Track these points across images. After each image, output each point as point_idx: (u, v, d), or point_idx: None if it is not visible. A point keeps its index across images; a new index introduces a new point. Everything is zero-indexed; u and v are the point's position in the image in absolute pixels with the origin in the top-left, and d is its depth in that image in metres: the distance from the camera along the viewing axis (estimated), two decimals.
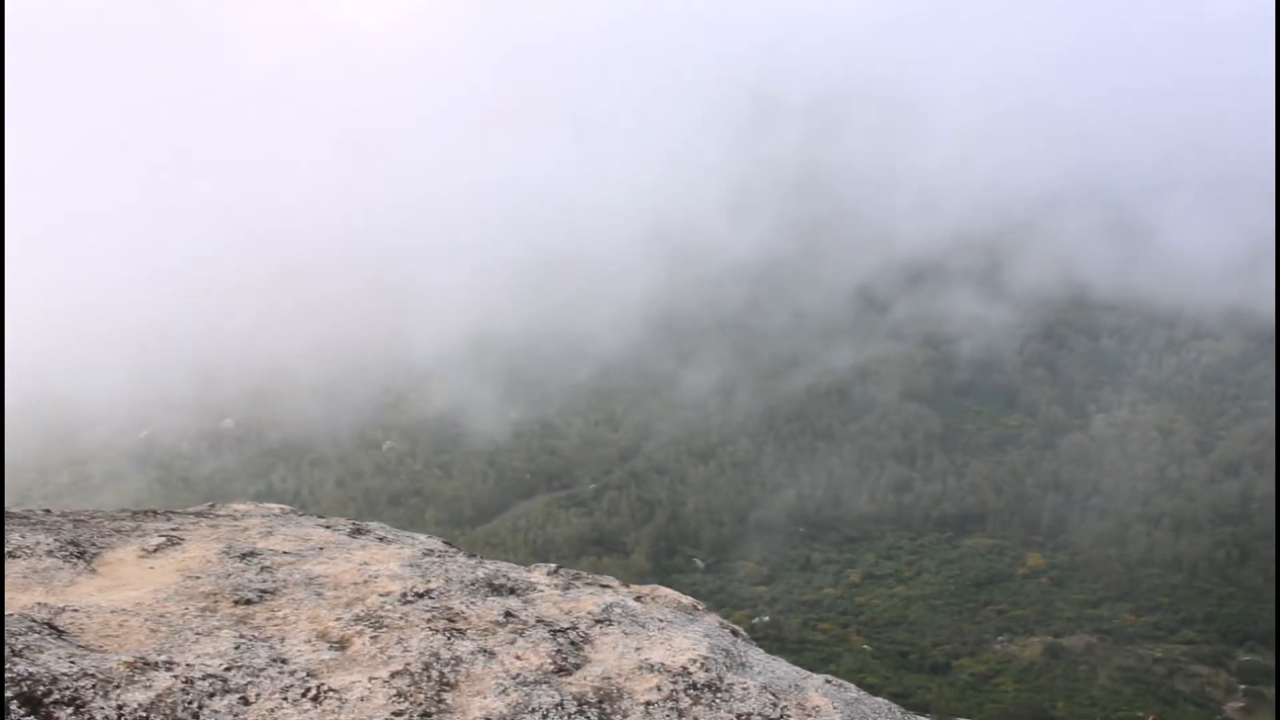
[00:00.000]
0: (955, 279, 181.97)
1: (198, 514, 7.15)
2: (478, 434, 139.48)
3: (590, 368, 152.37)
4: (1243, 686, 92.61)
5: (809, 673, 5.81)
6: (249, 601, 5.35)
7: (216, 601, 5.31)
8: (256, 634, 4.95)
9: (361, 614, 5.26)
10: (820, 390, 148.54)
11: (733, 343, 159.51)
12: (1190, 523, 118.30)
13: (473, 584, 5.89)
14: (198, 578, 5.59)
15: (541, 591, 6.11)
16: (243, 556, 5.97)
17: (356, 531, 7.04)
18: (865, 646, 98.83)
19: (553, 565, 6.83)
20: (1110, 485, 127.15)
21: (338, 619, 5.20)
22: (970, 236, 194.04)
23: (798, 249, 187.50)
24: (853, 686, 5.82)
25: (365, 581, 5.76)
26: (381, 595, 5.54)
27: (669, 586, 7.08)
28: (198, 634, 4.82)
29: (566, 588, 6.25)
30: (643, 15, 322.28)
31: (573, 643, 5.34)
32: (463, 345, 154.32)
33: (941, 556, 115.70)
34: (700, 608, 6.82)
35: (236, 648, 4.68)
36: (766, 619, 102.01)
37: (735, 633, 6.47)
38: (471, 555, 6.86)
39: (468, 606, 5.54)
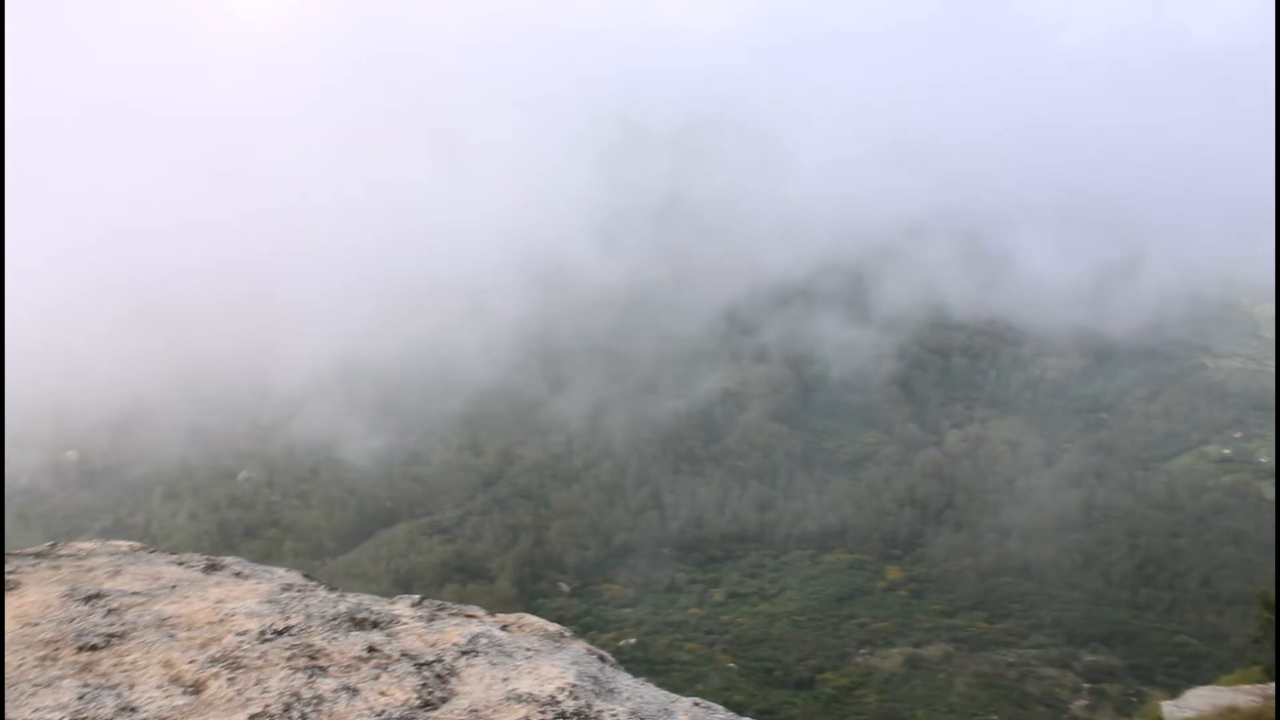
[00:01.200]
0: (821, 303, 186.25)
1: (37, 554, 6.76)
2: (340, 462, 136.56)
3: (461, 394, 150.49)
4: (1087, 685, 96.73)
5: (677, 695, 5.79)
6: (94, 647, 5.07)
7: (58, 649, 5.01)
8: (103, 682, 4.69)
9: (217, 655, 5.04)
10: (687, 413, 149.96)
11: (603, 368, 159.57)
12: (1038, 532, 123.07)
13: (334, 619, 5.70)
14: (36, 624, 5.27)
15: (405, 624, 5.95)
16: (87, 599, 5.66)
17: (211, 567, 6.75)
18: (731, 665, 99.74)
19: (416, 596, 6.66)
20: (963, 499, 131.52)
21: (191, 661, 4.97)
22: (835, 262, 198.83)
23: (666, 274, 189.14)
24: (720, 708, 5.82)
25: (221, 620, 5.52)
26: (238, 634, 5.31)
27: (535, 613, 6.99)
28: (35, 685, 4.53)
29: (431, 619, 6.10)
30: (512, 39, 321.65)
31: (438, 676, 5.20)
32: (331, 373, 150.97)
33: (804, 573, 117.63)
34: (566, 634, 6.73)
35: (80, 698, 4.41)
36: (633, 641, 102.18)
37: (603, 658, 6.40)
38: (333, 589, 6.65)
39: (329, 642, 5.37)
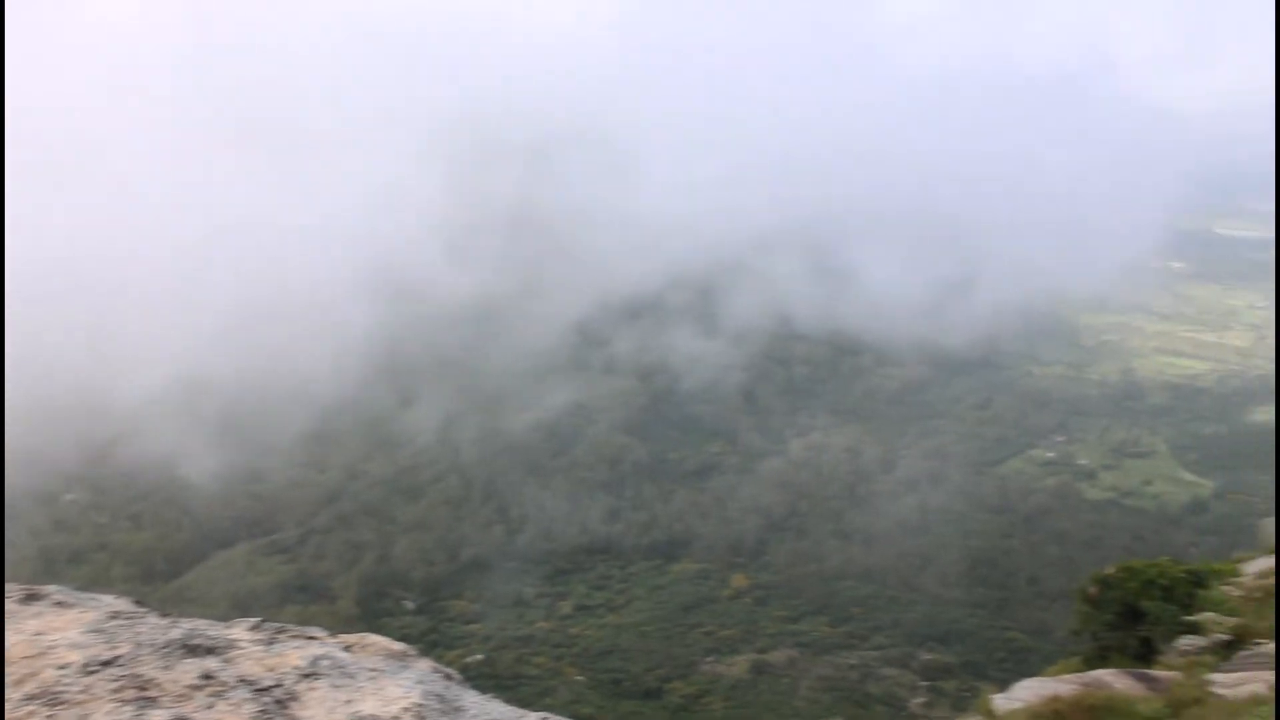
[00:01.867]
0: (670, 316, 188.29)
1: None
2: (177, 482, 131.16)
3: (308, 410, 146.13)
4: (925, 683, 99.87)
5: (524, 710, 5.74)
6: None
7: None
8: None
9: (34, 692, 4.76)
10: (535, 426, 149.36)
11: (452, 381, 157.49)
12: (877, 536, 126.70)
13: (166, 646, 5.47)
14: None
15: (243, 649, 5.74)
16: None
17: (30, 598, 6.38)
18: (579, 678, 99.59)
19: (255, 619, 6.44)
20: (806, 506, 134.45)
21: (6, 701, 4.72)
22: (685, 276, 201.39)
23: (517, 287, 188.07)
24: None
25: (40, 654, 5.22)
26: (59, 668, 5.04)
27: (379, 631, 6.82)
28: None
29: (270, 642, 5.90)
30: (361, 46, 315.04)
31: (278, 701, 5.04)
32: (171, 388, 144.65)
33: (651, 583, 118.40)
34: (411, 653, 6.60)
35: None
36: (480, 657, 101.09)
37: (449, 676, 6.30)
38: (165, 614, 6.36)
39: (161, 671, 5.14)
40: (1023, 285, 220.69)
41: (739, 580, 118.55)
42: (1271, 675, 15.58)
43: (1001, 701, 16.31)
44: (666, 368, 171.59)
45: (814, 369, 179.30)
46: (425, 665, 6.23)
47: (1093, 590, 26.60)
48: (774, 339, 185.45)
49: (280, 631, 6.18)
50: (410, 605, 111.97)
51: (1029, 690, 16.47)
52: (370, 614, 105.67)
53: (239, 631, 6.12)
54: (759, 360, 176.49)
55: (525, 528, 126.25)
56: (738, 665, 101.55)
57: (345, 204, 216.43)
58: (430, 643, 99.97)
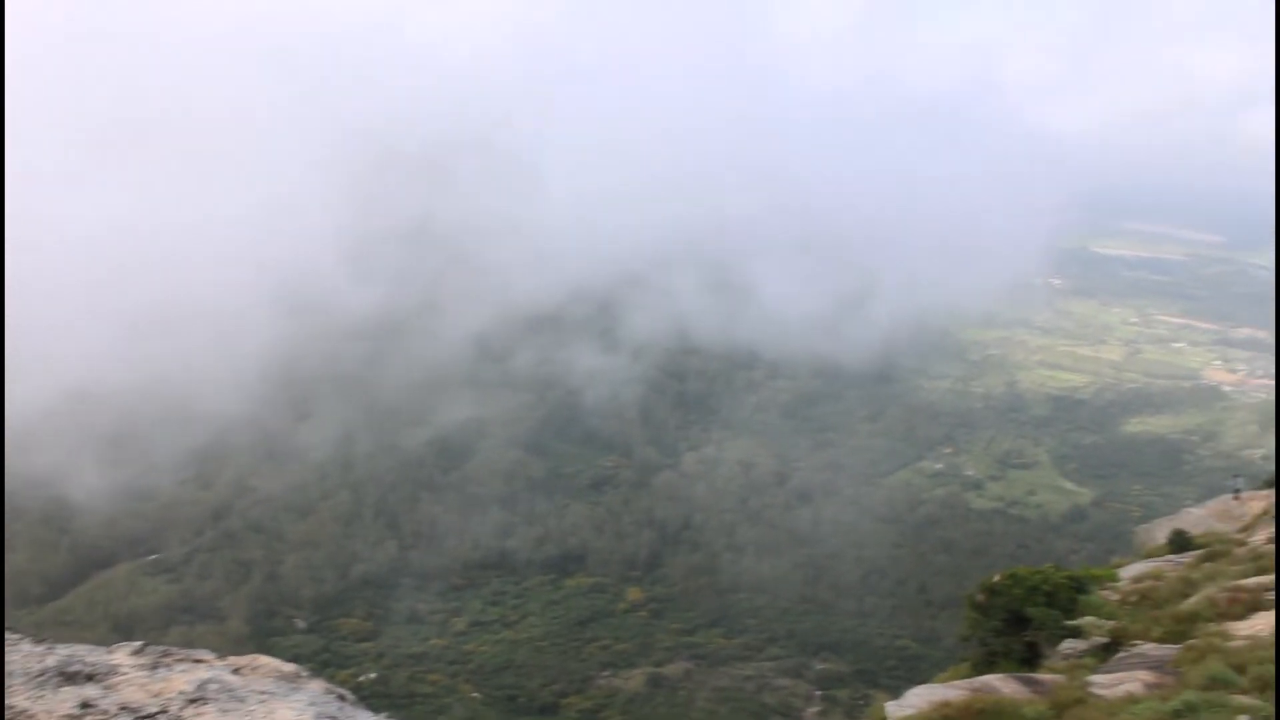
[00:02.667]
0: (570, 330, 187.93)
1: None
2: (59, 502, 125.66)
3: (199, 426, 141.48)
4: (819, 692, 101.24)
5: None
6: None
7: None
8: None
9: None
10: (430, 441, 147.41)
11: (351, 397, 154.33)
12: (771, 548, 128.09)
13: (41, 674, 5.24)
14: None
15: (125, 674, 5.54)
16: None
17: None
18: (474, 695, 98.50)
19: (138, 643, 6.22)
20: (700, 519, 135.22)
21: None
22: (586, 290, 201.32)
23: (416, 301, 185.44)
24: None
25: None
26: None
27: (269, 652, 6.64)
28: None
29: (154, 667, 5.70)
30: (258, 56, 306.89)
31: None
32: (58, 405, 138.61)
33: (546, 598, 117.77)
34: (303, 674, 6.45)
35: None
36: (374, 676, 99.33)
37: (341, 697, 6.18)
38: (40, 640, 6.10)
39: (35, 701, 4.92)
40: (913, 301, 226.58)
41: (634, 594, 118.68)
42: (1146, 674, 16.12)
43: (894, 708, 16.58)
44: (563, 382, 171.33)
45: (708, 383, 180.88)
46: (317, 686, 6.10)
47: (980, 597, 27.25)
48: (670, 353, 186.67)
49: (165, 655, 5.97)
50: (301, 624, 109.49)
51: (920, 697, 16.76)
52: (260, 634, 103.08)
53: (121, 656, 5.90)
54: (654, 374, 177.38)
55: (418, 543, 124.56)
56: (634, 679, 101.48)
57: (242, 215, 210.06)
58: (322, 662, 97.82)
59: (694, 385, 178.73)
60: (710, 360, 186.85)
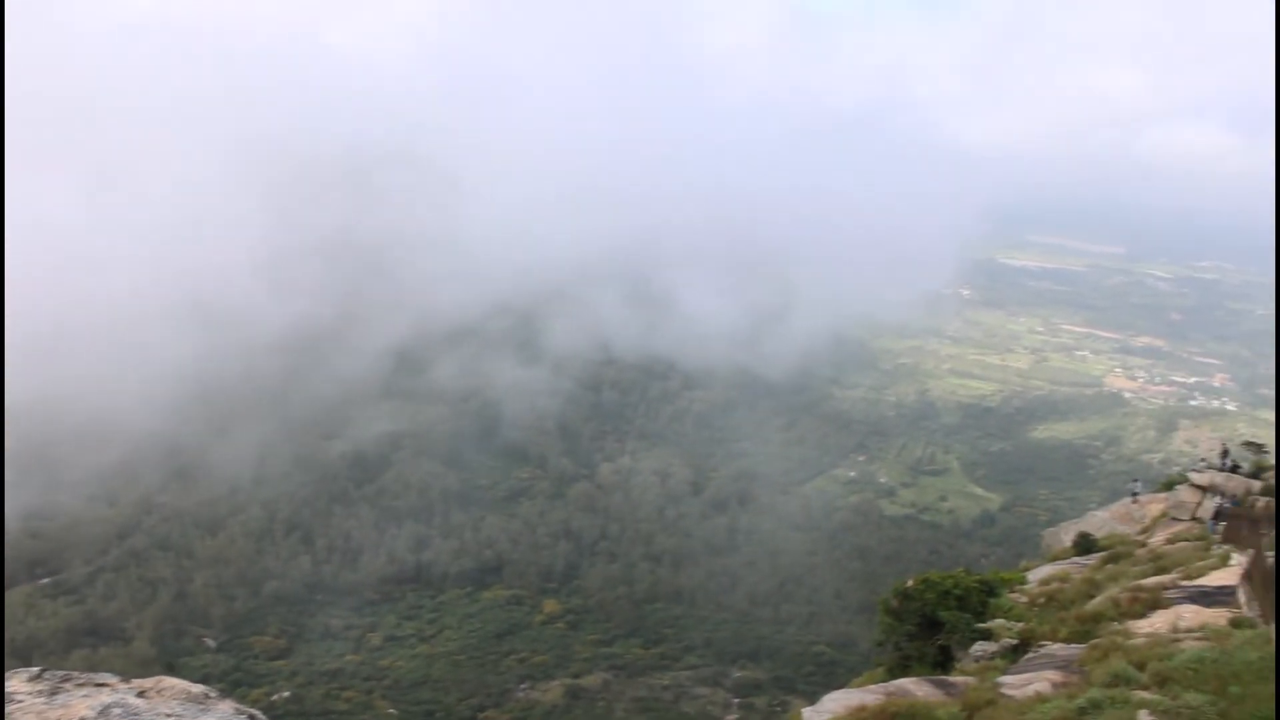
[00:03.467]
0: (491, 343, 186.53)
1: None
2: None
3: (111, 443, 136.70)
4: (737, 700, 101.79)
5: None
6: None
7: None
8: None
9: None
10: (342, 454, 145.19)
11: (268, 412, 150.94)
12: (688, 557, 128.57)
13: None
14: None
15: (22, 701, 5.35)
16: None
17: None
18: (391, 710, 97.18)
19: (36, 669, 6.02)
20: (616, 529, 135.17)
21: None
22: (509, 303, 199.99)
23: (336, 314, 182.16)
24: None
25: None
26: None
27: (177, 673, 6.49)
28: None
29: (54, 692, 5.52)
30: (171, 65, 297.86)
31: None
32: None
33: (462, 611, 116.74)
34: (212, 695, 6.30)
35: None
36: (287, 694, 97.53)
37: (253, 716, 6.08)
38: None
39: None
40: (829, 313, 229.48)
41: (551, 605, 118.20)
42: (1054, 674, 16.50)
43: (810, 714, 16.72)
44: (480, 394, 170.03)
45: (623, 394, 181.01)
46: (227, 706, 5.97)
47: (894, 602, 27.66)
48: (588, 365, 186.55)
49: (65, 680, 5.79)
50: (211, 643, 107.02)
51: (836, 702, 16.93)
52: (168, 655, 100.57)
53: (17, 683, 5.70)
54: (571, 386, 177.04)
55: (332, 558, 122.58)
56: (552, 691, 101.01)
57: (156, 226, 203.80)
58: (233, 682, 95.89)
59: (610, 396, 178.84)
60: (626, 371, 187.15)
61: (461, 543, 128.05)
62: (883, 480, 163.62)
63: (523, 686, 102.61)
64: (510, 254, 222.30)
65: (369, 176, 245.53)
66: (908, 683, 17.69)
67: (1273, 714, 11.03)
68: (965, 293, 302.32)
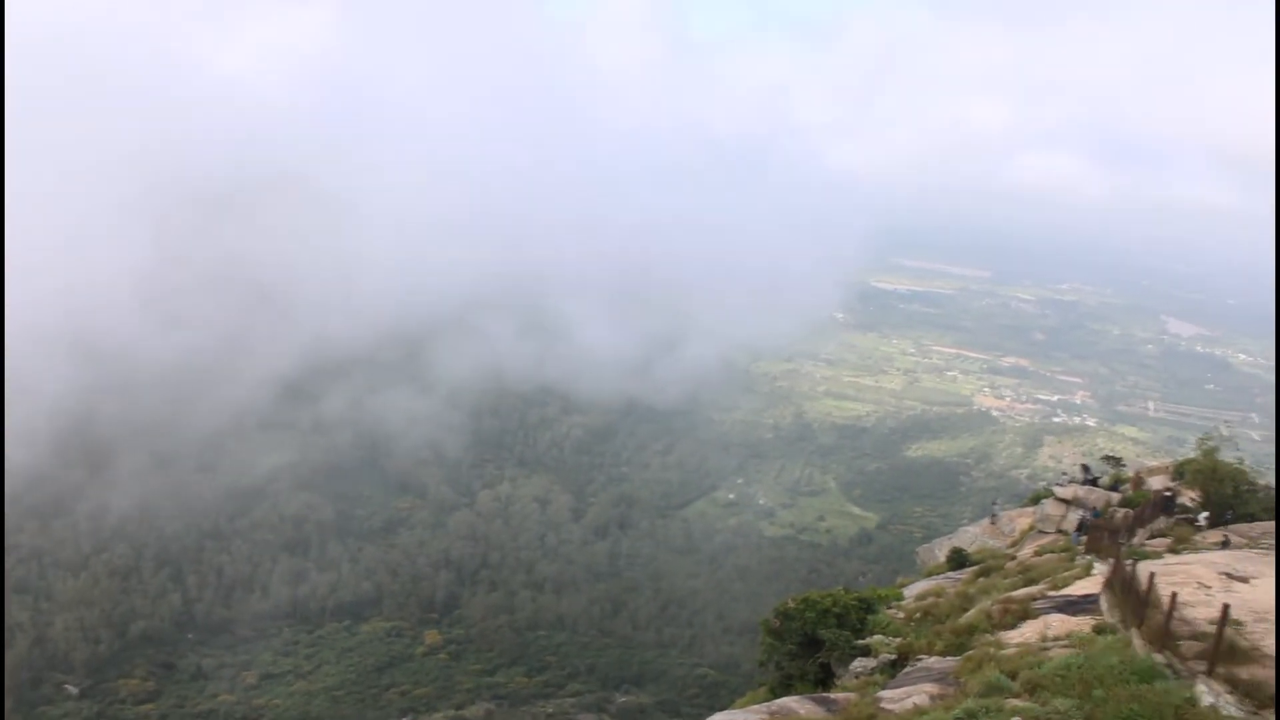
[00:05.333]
0: (374, 371, 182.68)
1: None
2: None
3: None
4: None
5: None
6: None
7: None
8: None
9: None
10: (218, 488, 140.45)
11: (144, 447, 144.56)
12: (569, 584, 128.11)
13: None
14: None
15: None
16: None
17: None
18: None
19: None
20: (497, 557, 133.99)
21: None
22: (398, 332, 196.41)
23: (221, 345, 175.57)
24: None
25: None
26: None
27: None
28: None
29: None
30: (48, 94, 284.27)
31: None
32: None
33: (341, 645, 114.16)
34: None
35: None
36: None
37: None
38: None
39: None
40: (713, 339, 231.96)
41: (432, 636, 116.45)
42: (931, 686, 16.86)
43: None
44: (359, 424, 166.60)
45: (502, 420, 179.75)
46: None
47: (775, 622, 27.95)
48: (470, 394, 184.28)
49: None
50: (73, 690, 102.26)
51: None
52: (25, 705, 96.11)
53: None
54: (448, 413, 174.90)
55: (204, 595, 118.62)
56: None
57: (33, 262, 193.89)
58: None
59: (489, 423, 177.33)
60: (505, 398, 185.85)
61: (339, 575, 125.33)
62: (762, 502, 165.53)
63: (404, 719, 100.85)
64: (401, 282, 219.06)
65: (256, 204, 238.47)
66: (790, 701, 17.87)
67: (1133, 714, 11.44)
68: (840, 316, 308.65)
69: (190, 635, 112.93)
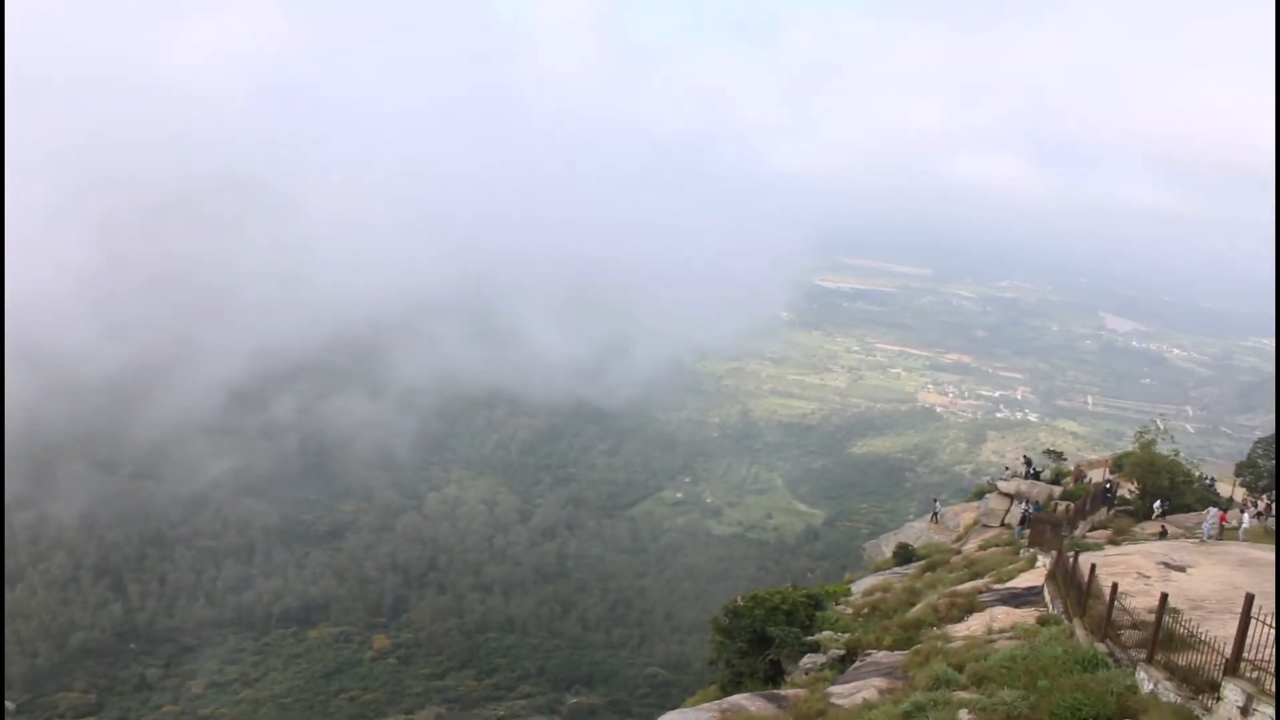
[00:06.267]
0: (326, 376, 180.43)
1: None
2: None
3: None
4: None
5: None
6: None
7: None
8: None
9: None
10: (160, 494, 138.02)
11: (86, 455, 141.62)
12: (518, 586, 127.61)
13: None
14: None
15: None
16: None
17: None
18: None
19: None
20: (445, 560, 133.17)
21: None
22: (346, 336, 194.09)
23: (169, 352, 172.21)
24: None
25: None
26: None
27: None
28: None
29: None
30: None
31: None
32: None
33: (288, 652, 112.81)
34: None
35: None
36: None
37: None
38: None
39: None
40: (652, 337, 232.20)
41: (380, 641, 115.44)
42: (880, 680, 17.10)
43: None
44: (303, 428, 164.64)
45: (449, 423, 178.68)
46: None
47: (724, 620, 28.17)
48: (412, 396, 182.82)
49: None
50: (11, 705, 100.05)
51: None
52: None
53: None
54: (394, 416, 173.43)
55: (146, 605, 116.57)
56: None
57: None
58: None
59: (435, 425, 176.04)
60: (451, 400, 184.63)
61: (285, 581, 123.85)
62: (709, 500, 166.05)
63: None
64: (350, 285, 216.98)
65: (202, 207, 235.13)
66: (741, 698, 18.05)
67: (1077, 703, 11.72)
68: (785, 315, 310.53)
69: (132, 645, 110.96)
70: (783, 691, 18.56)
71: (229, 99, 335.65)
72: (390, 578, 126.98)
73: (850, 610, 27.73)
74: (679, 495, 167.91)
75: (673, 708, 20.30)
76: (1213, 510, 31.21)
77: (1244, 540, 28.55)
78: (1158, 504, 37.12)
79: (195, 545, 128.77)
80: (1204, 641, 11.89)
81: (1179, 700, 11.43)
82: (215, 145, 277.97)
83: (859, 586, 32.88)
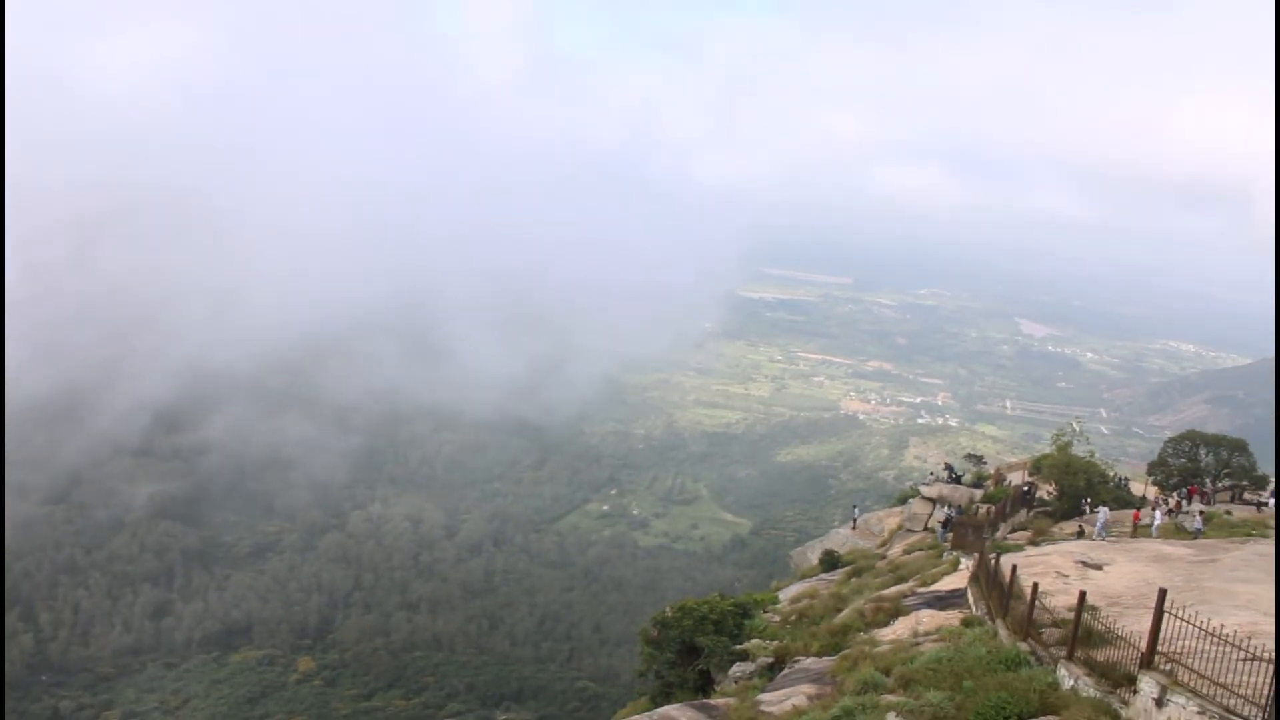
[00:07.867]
0: (251, 395, 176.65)
1: None
2: None
3: None
4: None
5: None
6: None
7: None
8: None
9: None
10: (78, 520, 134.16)
11: (7, 482, 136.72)
12: (445, 603, 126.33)
13: None
14: None
15: None
16: None
17: None
18: None
19: None
20: (370, 579, 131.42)
21: None
22: (278, 355, 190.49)
23: (98, 374, 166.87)
24: None
25: None
26: None
27: None
28: None
29: None
30: None
31: None
32: None
33: (210, 678, 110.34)
34: None
35: None
36: None
37: None
38: None
39: None
40: (578, 350, 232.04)
41: (306, 663, 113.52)
42: (809, 687, 17.20)
43: None
44: (223, 448, 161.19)
45: (371, 439, 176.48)
46: None
47: (653, 632, 28.14)
48: (337, 413, 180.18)
49: None
50: None
51: None
52: None
53: None
54: (318, 435, 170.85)
55: (59, 634, 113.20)
56: None
57: None
58: None
59: (356, 442, 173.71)
60: (371, 417, 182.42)
61: (205, 604, 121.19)
62: (635, 512, 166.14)
63: None
64: (283, 303, 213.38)
65: (132, 223, 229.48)
66: (671, 709, 18.02)
67: (1001, 702, 11.90)
68: (708, 325, 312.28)
69: (44, 677, 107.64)
70: (713, 701, 18.58)
71: (160, 111, 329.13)
72: (315, 598, 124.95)
73: (778, 618, 27.87)
74: (605, 508, 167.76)
75: None
76: (1103, 509, 32.19)
77: (1157, 537, 29.29)
78: (1086, 503, 38.04)
79: (111, 571, 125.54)
80: (1120, 637, 12.15)
81: (1098, 695, 11.66)
82: (146, 158, 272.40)
83: (786, 594, 33.09)
